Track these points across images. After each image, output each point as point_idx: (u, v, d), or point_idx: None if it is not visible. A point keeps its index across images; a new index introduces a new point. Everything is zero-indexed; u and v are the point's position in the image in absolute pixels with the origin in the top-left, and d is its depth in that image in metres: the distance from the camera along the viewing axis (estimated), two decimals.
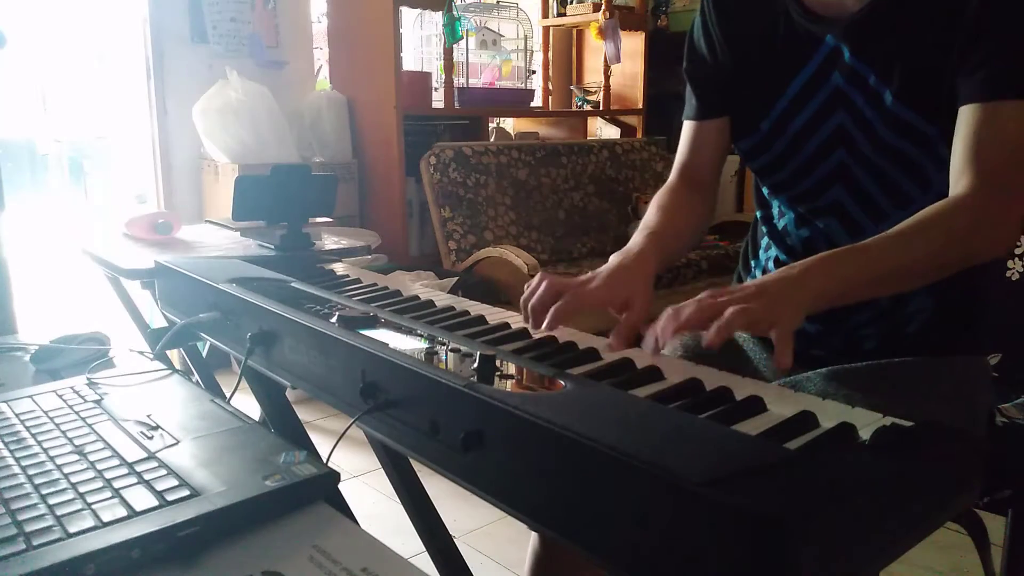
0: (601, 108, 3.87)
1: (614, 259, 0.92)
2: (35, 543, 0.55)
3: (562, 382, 0.65)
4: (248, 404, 0.99)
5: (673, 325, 0.73)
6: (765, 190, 1.10)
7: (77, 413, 0.80)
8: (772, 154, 1.03)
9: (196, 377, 1.58)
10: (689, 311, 0.73)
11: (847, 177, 0.98)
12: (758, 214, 1.14)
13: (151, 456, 0.69)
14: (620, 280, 0.87)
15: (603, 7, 3.59)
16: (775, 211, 1.10)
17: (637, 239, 0.96)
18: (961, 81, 0.86)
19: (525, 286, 0.87)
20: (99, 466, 0.67)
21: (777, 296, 0.74)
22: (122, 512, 0.59)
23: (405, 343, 0.77)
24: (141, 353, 1.03)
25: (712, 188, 1.11)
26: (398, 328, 0.82)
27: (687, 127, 1.11)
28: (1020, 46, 0.84)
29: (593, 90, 3.97)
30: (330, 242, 1.49)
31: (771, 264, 1.11)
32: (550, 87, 3.99)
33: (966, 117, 0.85)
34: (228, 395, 0.90)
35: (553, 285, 0.84)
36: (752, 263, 1.16)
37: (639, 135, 3.87)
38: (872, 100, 0.93)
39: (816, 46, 0.97)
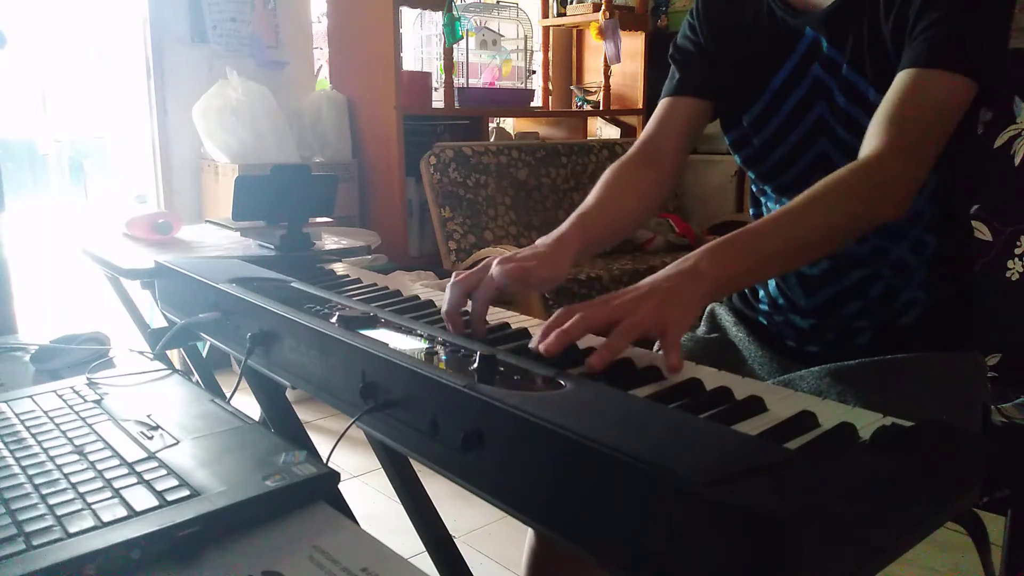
0: (601, 108, 3.87)
1: (538, 244, 0.90)
2: (35, 543, 0.55)
3: (562, 382, 0.65)
4: (248, 404, 0.99)
5: (562, 337, 0.70)
6: (754, 187, 1.12)
7: (77, 413, 0.80)
8: (756, 146, 1.05)
9: (196, 377, 1.58)
10: (575, 321, 0.70)
11: (830, 166, 0.98)
12: (751, 211, 1.15)
13: (151, 456, 0.69)
14: (526, 268, 0.84)
15: (603, 7, 3.59)
16: (764, 210, 1.11)
17: (566, 224, 0.95)
18: (904, 52, 0.87)
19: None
20: (99, 466, 0.67)
21: (667, 295, 0.72)
22: (122, 512, 0.59)
23: (405, 343, 0.77)
24: (141, 353, 1.03)
25: (670, 169, 1.09)
26: (398, 328, 0.82)
27: (661, 104, 1.11)
28: (958, 21, 0.84)
29: (593, 90, 3.97)
30: (330, 242, 1.49)
31: None
32: (550, 87, 3.99)
33: (896, 81, 0.86)
34: (228, 395, 0.90)
35: (462, 293, 0.81)
36: None
37: (639, 135, 3.86)
38: (846, 89, 0.95)
39: (797, 39, 0.99)
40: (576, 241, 0.92)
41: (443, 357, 0.72)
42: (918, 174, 0.85)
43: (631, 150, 1.10)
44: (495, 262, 0.83)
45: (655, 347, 0.75)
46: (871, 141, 0.85)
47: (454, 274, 0.84)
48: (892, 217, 0.85)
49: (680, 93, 1.09)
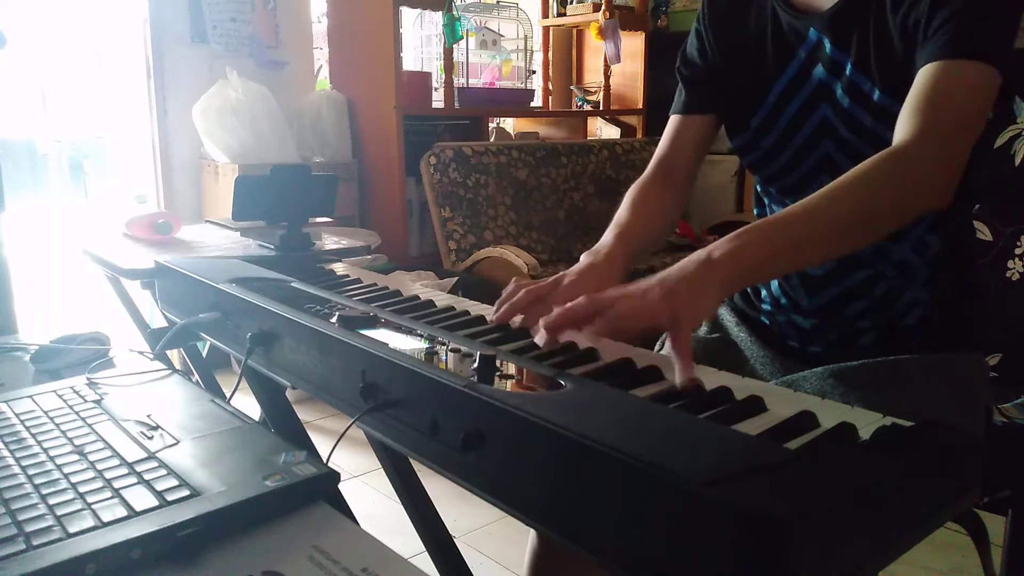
0: (601, 108, 3.87)
1: (584, 259, 0.93)
2: (35, 543, 0.55)
3: (562, 382, 0.65)
4: (248, 404, 0.99)
5: (550, 336, 0.71)
6: (758, 187, 1.12)
7: (77, 413, 0.80)
8: (762, 149, 1.05)
9: (196, 377, 1.58)
10: (579, 307, 0.72)
11: (833, 167, 0.98)
12: (755, 211, 1.15)
13: (151, 456, 0.69)
14: (591, 279, 0.88)
15: (603, 7, 3.59)
16: (768, 210, 1.11)
17: (607, 238, 0.99)
18: (919, 49, 0.86)
19: (504, 291, 0.87)
20: (99, 466, 0.67)
21: (676, 284, 0.71)
22: (122, 512, 0.59)
23: (405, 343, 0.77)
24: (141, 353, 1.03)
25: (686, 184, 1.12)
26: (398, 328, 0.82)
27: (672, 121, 1.13)
28: (977, 10, 0.83)
29: (593, 90, 3.97)
30: (330, 242, 1.49)
31: None
32: (550, 87, 3.99)
33: (921, 76, 0.84)
34: (228, 395, 0.90)
35: (530, 294, 0.84)
36: None
37: (639, 135, 3.87)
38: (850, 90, 0.95)
39: (801, 41, 0.99)
40: (621, 255, 0.95)
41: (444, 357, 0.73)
42: (956, 159, 0.81)
43: (649, 170, 1.12)
44: (568, 283, 0.87)
45: (656, 347, 0.75)
46: (902, 131, 0.82)
47: (516, 279, 0.88)
48: (935, 205, 0.82)
49: (690, 111, 1.11)
